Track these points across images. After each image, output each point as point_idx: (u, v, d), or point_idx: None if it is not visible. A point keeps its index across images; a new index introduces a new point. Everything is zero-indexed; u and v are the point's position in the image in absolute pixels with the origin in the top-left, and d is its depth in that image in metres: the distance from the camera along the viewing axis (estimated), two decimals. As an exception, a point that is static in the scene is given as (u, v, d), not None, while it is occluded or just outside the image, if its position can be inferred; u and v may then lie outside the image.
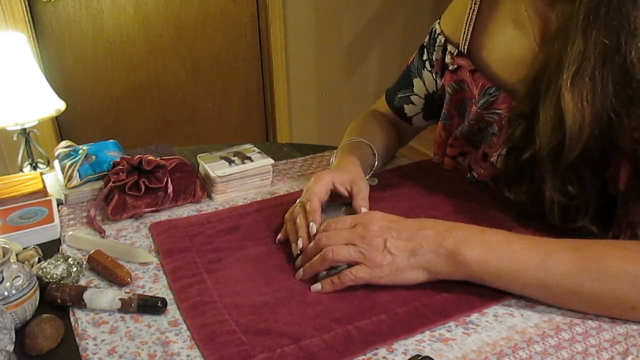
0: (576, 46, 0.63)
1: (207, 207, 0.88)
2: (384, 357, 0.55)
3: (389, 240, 0.63)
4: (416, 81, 0.96)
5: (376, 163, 0.89)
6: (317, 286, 0.65)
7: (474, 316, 0.60)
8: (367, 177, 0.87)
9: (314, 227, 0.70)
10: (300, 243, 0.70)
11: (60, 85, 2.19)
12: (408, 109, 0.98)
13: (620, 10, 0.60)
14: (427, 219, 0.66)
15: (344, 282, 0.63)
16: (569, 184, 0.67)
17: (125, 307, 0.62)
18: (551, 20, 0.74)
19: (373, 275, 0.63)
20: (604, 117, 0.63)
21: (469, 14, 0.85)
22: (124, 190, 0.84)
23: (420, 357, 0.53)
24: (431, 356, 0.53)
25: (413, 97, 0.97)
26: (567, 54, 0.64)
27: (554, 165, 0.67)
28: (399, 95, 0.99)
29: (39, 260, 0.71)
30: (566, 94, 0.63)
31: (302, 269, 0.67)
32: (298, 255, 0.70)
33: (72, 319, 0.63)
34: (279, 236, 0.76)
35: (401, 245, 0.62)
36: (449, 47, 0.89)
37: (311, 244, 0.68)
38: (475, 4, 0.85)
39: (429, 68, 0.94)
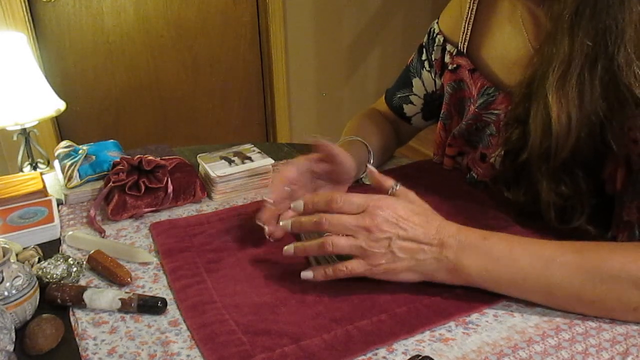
0: (562, 48, 0.62)
1: (207, 207, 0.88)
2: (384, 357, 0.55)
3: (393, 240, 0.61)
4: (415, 81, 0.96)
5: (371, 161, 0.88)
6: (308, 274, 0.64)
7: (474, 316, 0.60)
8: (362, 175, 0.87)
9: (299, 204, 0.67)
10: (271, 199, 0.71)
11: (60, 85, 2.19)
12: (407, 108, 0.98)
13: (607, 12, 0.59)
14: (435, 217, 0.64)
15: (338, 276, 0.63)
16: (562, 184, 0.67)
17: (125, 307, 0.62)
18: (542, 21, 0.74)
19: (369, 271, 0.62)
20: (593, 119, 0.62)
21: (468, 13, 0.85)
22: (124, 190, 0.84)
23: (420, 357, 0.53)
24: (431, 356, 0.53)
25: (412, 97, 0.97)
26: (554, 57, 0.63)
27: (547, 166, 0.67)
28: (398, 95, 0.99)
29: (39, 260, 0.71)
30: (551, 98, 0.63)
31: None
32: (296, 248, 0.66)
33: (72, 319, 0.63)
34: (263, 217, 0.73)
35: (405, 246, 0.61)
36: (448, 47, 0.89)
37: (309, 218, 0.64)
38: (474, 3, 0.84)
39: (428, 68, 0.94)
